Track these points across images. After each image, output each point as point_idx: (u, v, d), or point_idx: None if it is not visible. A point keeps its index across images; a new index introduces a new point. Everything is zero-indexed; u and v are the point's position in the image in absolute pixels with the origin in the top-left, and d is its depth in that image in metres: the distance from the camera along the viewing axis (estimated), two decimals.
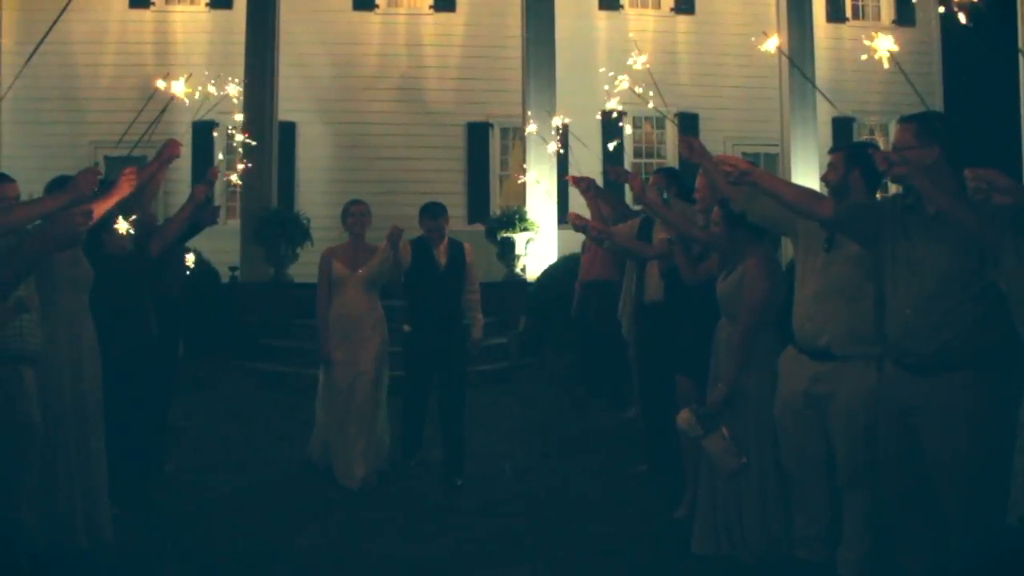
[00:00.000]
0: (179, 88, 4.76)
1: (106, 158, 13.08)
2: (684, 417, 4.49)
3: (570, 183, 6.82)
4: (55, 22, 4.60)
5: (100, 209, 4.15)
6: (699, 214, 5.31)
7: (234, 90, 5.63)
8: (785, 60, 13.38)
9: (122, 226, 4.25)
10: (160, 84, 4.83)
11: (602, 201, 6.92)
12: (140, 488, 5.48)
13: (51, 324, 4.48)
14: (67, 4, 4.25)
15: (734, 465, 4.34)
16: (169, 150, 5.06)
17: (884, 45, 3.48)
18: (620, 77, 5.21)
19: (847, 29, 15.23)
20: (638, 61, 4.92)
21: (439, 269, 6.33)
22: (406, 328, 6.33)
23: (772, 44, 4.05)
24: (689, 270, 5.11)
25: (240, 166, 6.98)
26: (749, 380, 4.37)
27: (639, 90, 5.35)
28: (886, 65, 3.39)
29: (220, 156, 13.75)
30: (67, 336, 4.66)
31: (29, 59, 5.10)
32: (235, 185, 7.79)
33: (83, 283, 4.82)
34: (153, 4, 14.10)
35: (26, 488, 4.15)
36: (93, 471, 4.75)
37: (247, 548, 4.91)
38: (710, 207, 5.03)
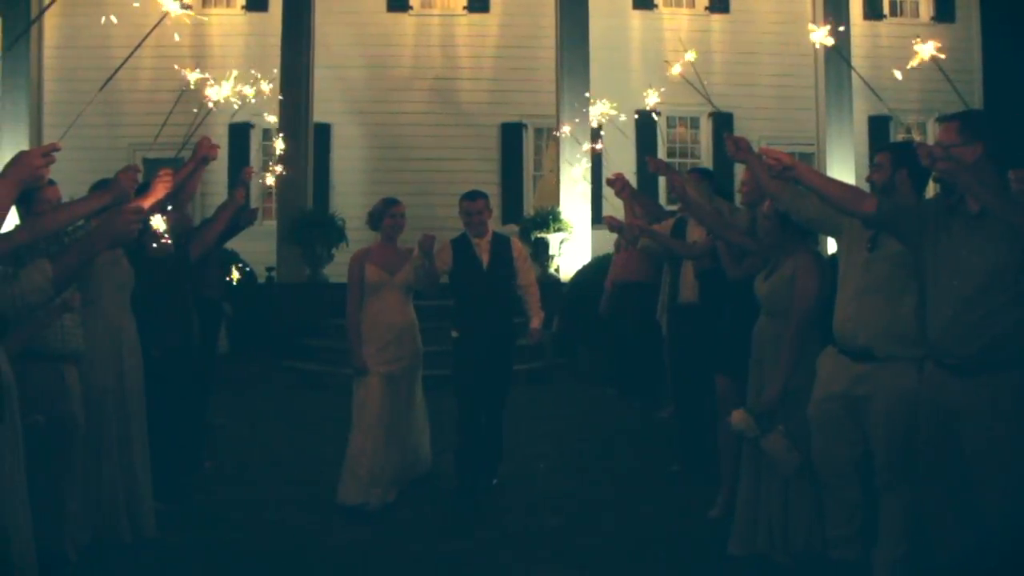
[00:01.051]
0: (225, 90, 4.77)
1: (144, 160, 13.26)
2: (740, 417, 4.41)
3: (607, 184, 6.77)
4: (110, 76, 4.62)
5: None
6: (744, 209, 5.30)
7: (266, 87, 5.62)
8: (821, 58, 13.28)
9: (158, 223, 4.27)
10: (191, 77, 4.82)
11: (635, 202, 6.92)
12: (180, 484, 5.57)
13: (93, 324, 4.58)
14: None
15: (794, 464, 4.29)
16: (203, 149, 5.04)
17: (927, 50, 3.49)
18: (689, 56, 5.10)
19: (884, 26, 15.04)
20: (685, 57, 4.89)
21: (482, 267, 5.95)
22: (454, 334, 6.00)
23: (820, 35, 4.04)
24: (733, 267, 5.08)
25: (278, 168, 7.05)
26: (800, 377, 4.32)
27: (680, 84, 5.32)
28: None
29: (252, 161, 13.90)
30: (108, 335, 4.77)
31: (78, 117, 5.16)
32: (269, 186, 7.86)
33: (124, 283, 4.91)
34: (190, 7, 14.25)
35: (71, 482, 4.24)
36: (135, 467, 4.85)
37: (285, 544, 4.97)
38: (754, 203, 5.01)
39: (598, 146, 10.45)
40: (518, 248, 6.14)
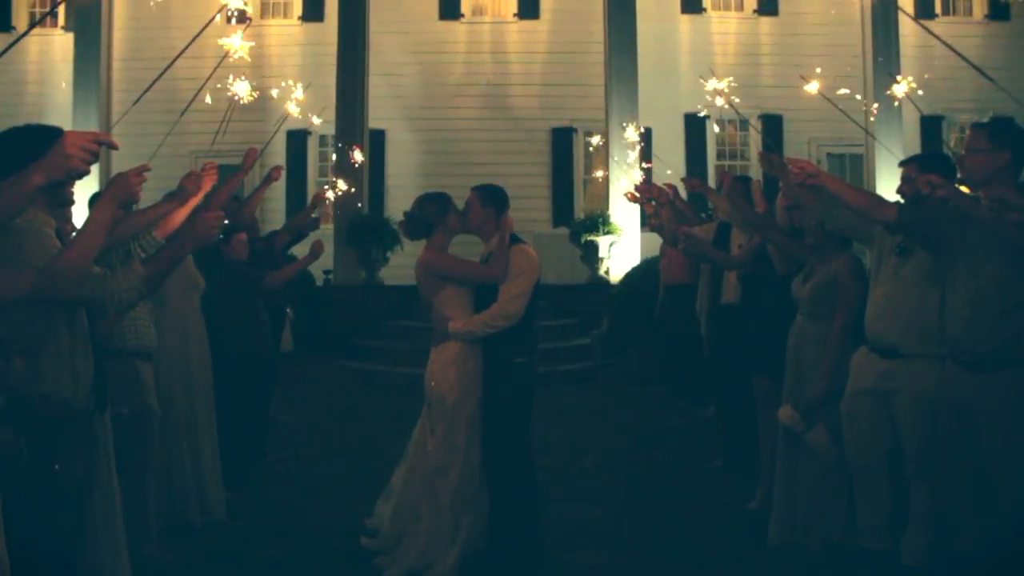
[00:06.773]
0: (296, 105, 5.03)
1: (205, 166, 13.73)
2: (787, 413, 4.61)
3: (628, 200, 6.77)
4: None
5: (185, 211, 4.45)
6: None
7: (300, 95, 5.85)
8: (870, 60, 13.30)
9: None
10: (233, 82, 5.10)
11: (665, 210, 7.09)
12: (247, 474, 5.95)
13: (163, 324, 4.89)
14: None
15: (834, 457, 4.47)
16: (248, 165, 5.34)
17: (901, 89, 3.68)
18: (716, 84, 5.21)
19: (936, 26, 14.90)
20: (716, 84, 5.06)
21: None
22: None
23: (813, 87, 4.25)
24: (782, 264, 5.24)
25: (342, 184, 7.42)
26: (839, 377, 4.48)
27: (721, 102, 5.44)
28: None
29: (309, 166, 14.26)
30: (177, 333, 5.12)
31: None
32: (328, 201, 8.19)
33: (191, 285, 5.26)
34: (249, 20, 14.71)
35: (151, 470, 4.58)
36: (203, 458, 5.20)
37: (341, 530, 5.23)
38: (792, 208, 5.16)
39: (642, 165, 10.50)
40: (512, 253, 4.61)
